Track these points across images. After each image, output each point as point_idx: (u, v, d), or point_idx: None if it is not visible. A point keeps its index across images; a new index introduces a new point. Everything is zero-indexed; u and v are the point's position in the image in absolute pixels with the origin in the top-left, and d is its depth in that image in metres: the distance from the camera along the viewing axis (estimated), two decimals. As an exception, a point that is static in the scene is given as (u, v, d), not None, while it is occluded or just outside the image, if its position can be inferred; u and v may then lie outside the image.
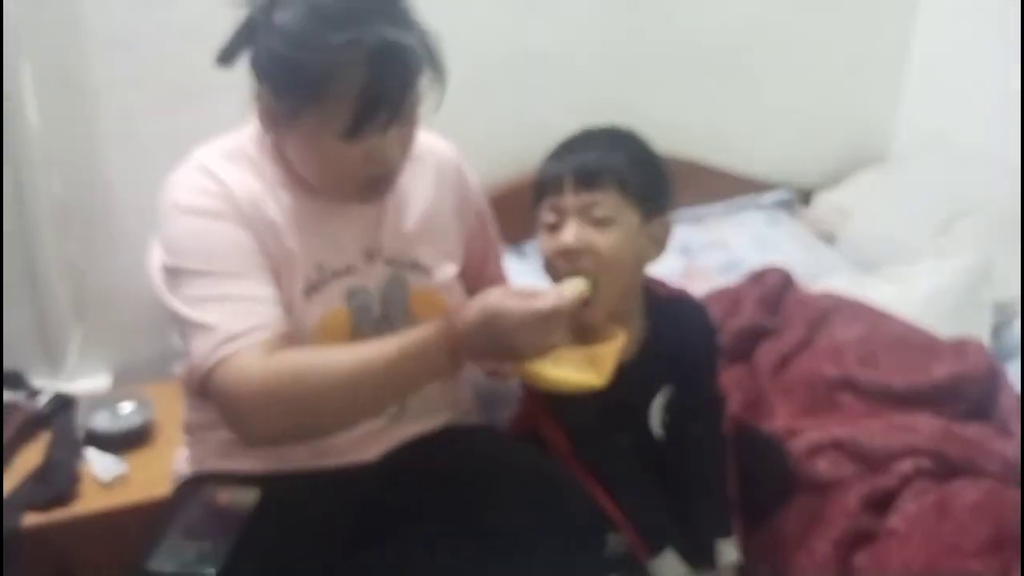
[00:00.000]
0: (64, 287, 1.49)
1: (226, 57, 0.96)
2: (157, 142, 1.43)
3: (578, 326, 0.99)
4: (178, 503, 1.06)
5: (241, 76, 0.99)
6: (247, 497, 1.02)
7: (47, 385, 1.50)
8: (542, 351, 0.89)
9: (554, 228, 1.07)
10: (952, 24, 2.07)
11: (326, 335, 1.01)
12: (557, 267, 1.07)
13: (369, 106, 0.90)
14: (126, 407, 1.42)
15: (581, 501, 1.03)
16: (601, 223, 1.05)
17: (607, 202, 1.05)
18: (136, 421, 1.40)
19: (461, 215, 1.16)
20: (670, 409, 1.17)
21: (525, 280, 1.34)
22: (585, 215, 1.05)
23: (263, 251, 0.98)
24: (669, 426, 1.17)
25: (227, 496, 1.03)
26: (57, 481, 1.28)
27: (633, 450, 1.14)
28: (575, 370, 0.95)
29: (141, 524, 1.22)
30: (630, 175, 1.06)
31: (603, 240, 1.05)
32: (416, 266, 1.09)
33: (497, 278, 1.26)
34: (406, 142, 1.00)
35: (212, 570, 0.91)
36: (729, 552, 1.14)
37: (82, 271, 1.49)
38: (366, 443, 1.08)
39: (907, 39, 2.16)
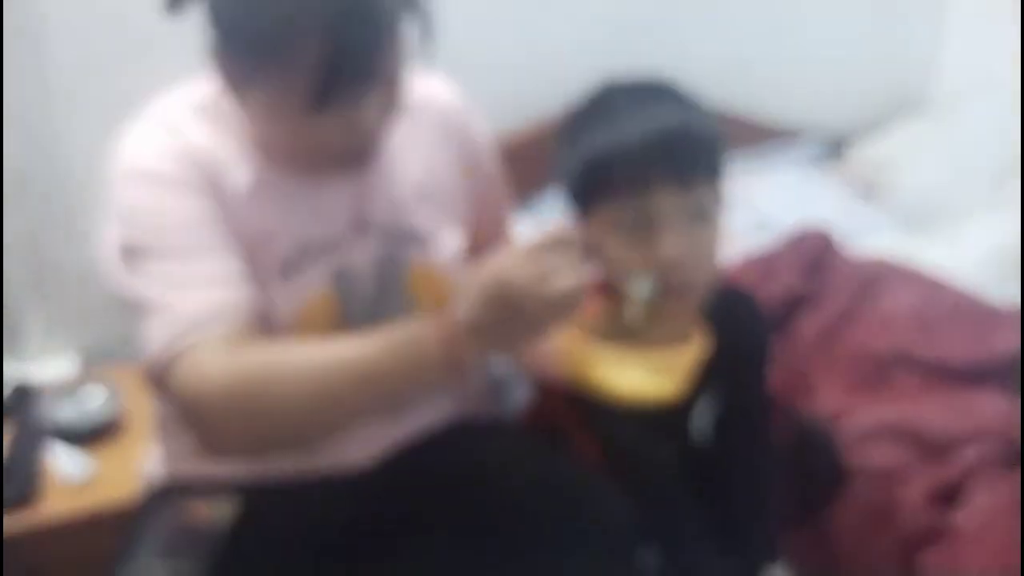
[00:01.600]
0: (22, 262, 1.35)
1: (173, 4, 0.80)
2: (114, 97, 1.29)
3: (643, 327, 0.85)
4: (149, 514, 0.93)
5: (195, 24, 0.84)
6: (226, 510, 0.90)
7: (8, 370, 1.36)
8: (560, 300, 0.71)
9: (634, 227, 0.89)
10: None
11: (308, 325, 0.87)
12: (642, 278, 0.88)
13: (336, 72, 0.76)
14: (94, 397, 1.30)
15: (608, 509, 0.90)
16: (697, 220, 0.89)
17: (704, 197, 0.90)
18: (105, 413, 1.27)
19: (466, 172, 1.00)
20: (717, 416, 1.02)
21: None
22: (680, 214, 0.89)
23: (229, 226, 0.83)
24: (715, 435, 1.02)
25: (204, 509, 0.91)
26: (18, 479, 1.16)
27: (675, 465, 0.99)
28: (643, 377, 0.79)
29: (113, 527, 1.12)
30: (720, 159, 0.91)
31: (705, 243, 0.90)
32: (414, 236, 0.94)
33: (504, 242, 1.10)
34: (389, 103, 0.84)
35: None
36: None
37: (40, 242, 1.34)
38: (359, 441, 0.93)
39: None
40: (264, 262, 0.86)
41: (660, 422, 0.95)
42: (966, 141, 1.85)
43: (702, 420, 1.01)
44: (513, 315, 0.71)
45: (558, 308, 0.71)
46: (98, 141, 1.21)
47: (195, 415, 0.78)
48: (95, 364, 1.42)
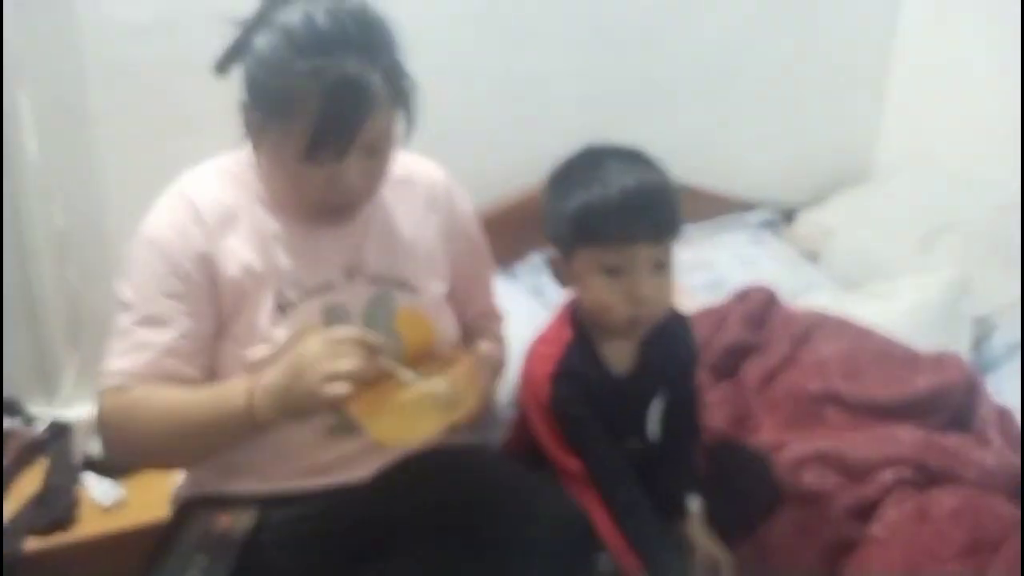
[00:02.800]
0: (60, 315, 1.52)
1: (221, 67, 1.03)
2: (152, 170, 1.47)
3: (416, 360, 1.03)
4: (179, 524, 1.09)
5: (229, 107, 1.04)
6: (246, 519, 1.05)
7: (43, 412, 1.52)
8: (332, 376, 0.90)
9: (615, 273, 1.08)
10: (930, 49, 2.13)
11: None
12: (622, 316, 1.10)
13: (322, 133, 0.95)
14: None
15: (573, 517, 1.06)
16: (661, 267, 1.10)
17: (668, 250, 1.11)
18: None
19: (449, 238, 1.19)
20: (666, 411, 1.23)
21: (515, 301, 1.37)
22: (650, 262, 1.09)
23: (208, 283, 1.04)
24: (663, 426, 1.23)
25: (227, 518, 1.05)
26: (56, 506, 1.30)
27: (637, 454, 1.18)
28: (399, 421, 0.96)
29: (140, 547, 1.25)
30: (680, 216, 1.11)
31: (665, 286, 1.11)
32: (404, 284, 1.12)
33: (486, 301, 1.29)
34: (374, 173, 1.04)
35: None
36: (694, 503, 1.23)
37: (78, 298, 1.51)
38: (358, 462, 1.11)
39: (886, 63, 2.22)
40: (256, 303, 1.05)
41: (622, 425, 1.16)
42: (895, 210, 2.00)
43: (654, 419, 1.21)
44: (296, 382, 0.92)
45: (328, 382, 0.90)
46: (137, 207, 1.41)
47: (100, 431, 1.07)
48: None
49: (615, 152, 1.13)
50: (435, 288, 1.15)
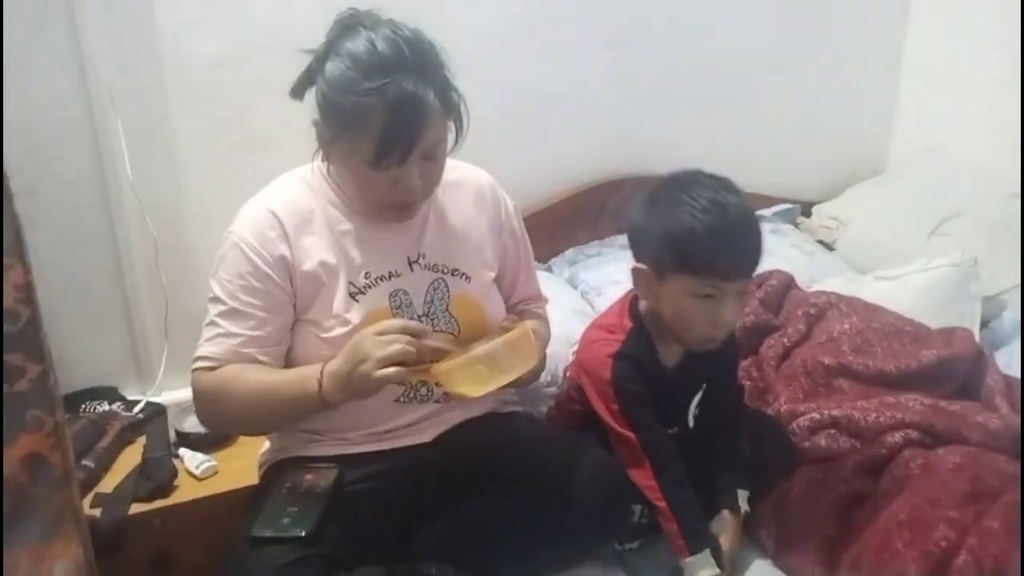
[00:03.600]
0: (154, 313, 1.72)
1: (295, 93, 1.19)
2: (230, 185, 1.66)
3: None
4: (268, 483, 1.25)
5: (298, 130, 1.20)
6: (328, 476, 1.20)
7: (139, 398, 1.72)
8: (384, 358, 1.05)
9: (706, 299, 1.21)
10: (939, 46, 2.25)
11: (372, 323, 1.18)
12: (703, 335, 1.24)
13: (387, 142, 1.10)
14: None
15: (612, 472, 1.22)
16: (743, 295, 1.26)
17: (751, 281, 1.26)
18: (207, 425, 1.61)
19: (496, 232, 1.34)
20: (702, 404, 1.37)
21: (552, 292, 1.53)
22: (737, 293, 1.23)
23: (286, 281, 1.20)
24: (699, 418, 1.37)
25: (311, 476, 1.21)
26: (158, 475, 1.49)
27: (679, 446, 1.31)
28: (463, 381, 1.10)
29: (231, 509, 1.43)
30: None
31: (742, 311, 1.29)
32: (456, 272, 1.28)
33: (531, 288, 1.43)
34: (431, 175, 1.19)
35: (303, 531, 1.09)
36: (743, 498, 1.35)
37: (168, 298, 1.70)
38: (422, 427, 1.27)
39: (897, 65, 2.34)
40: (331, 290, 1.21)
41: (670, 413, 1.31)
42: (906, 201, 2.12)
43: (694, 409, 1.36)
44: (354, 369, 1.08)
45: (379, 367, 1.05)
46: (217, 216, 1.59)
47: (194, 404, 1.25)
48: None
49: (711, 180, 1.23)
50: (484, 275, 1.31)
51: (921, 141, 2.31)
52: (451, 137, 1.20)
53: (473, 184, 1.34)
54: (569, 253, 2.02)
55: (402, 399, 1.26)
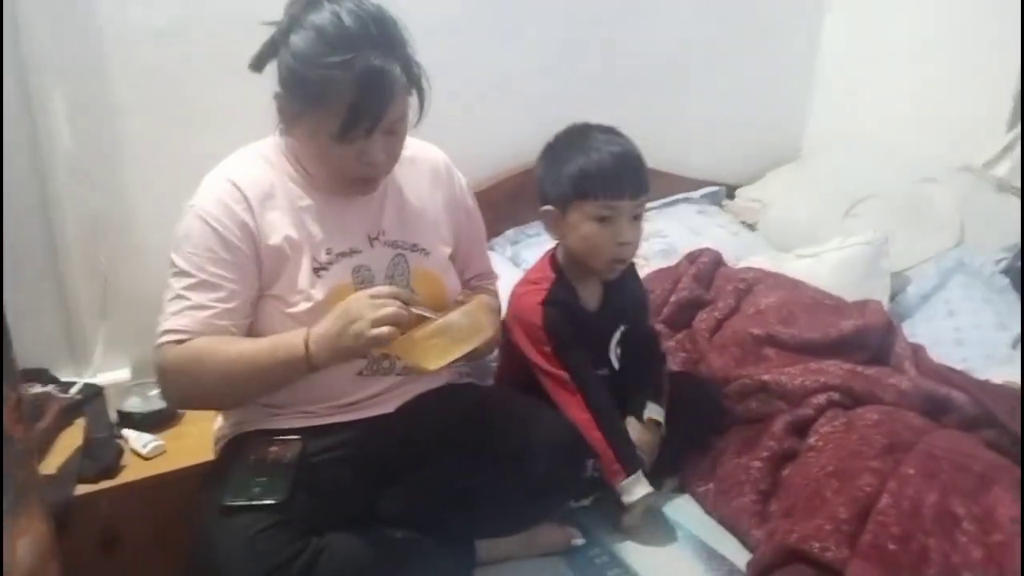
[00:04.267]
0: (90, 291, 1.67)
1: (255, 65, 1.19)
2: (173, 159, 1.65)
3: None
4: (229, 457, 1.25)
5: (244, 102, 1.20)
6: (294, 448, 1.21)
7: (74, 379, 1.67)
8: (379, 319, 1.07)
9: (604, 221, 1.35)
10: (849, 44, 2.41)
11: (336, 300, 1.19)
12: (607, 257, 1.38)
13: (354, 115, 1.11)
14: (154, 391, 1.60)
15: (565, 431, 1.28)
16: (638, 219, 1.39)
17: (642, 204, 1.38)
18: (164, 403, 1.58)
19: (450, 208, 1.38)
20: (623, 344, 1.48)
21: (496, 268, 1.57)
22: (631, 214, 1.37)
23: (252, 252, 1.20)
24: (621, 358, 1.47)
25: (276, 448, 1.22)
26: (102, 456, 1.46)
27: (606, 380, 1.41)
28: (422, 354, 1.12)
29: (180, 488, 1.43)
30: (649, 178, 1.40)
31: (640, 233, 1.40)
32: (416, 247, 1.31)
33: (483, 264, 1.47)
34: (392, 149, 1.21)
35: (276, 499, 1.11)
36: (655, 410, 1.47)
37: (107, 276, 1.66)
38: (384, 399, 1.30)
39: (811, 58, 2.49)
40: (297, 265, 1.22)
41: (596, 351, 1.40)
42: (822, 184, 2.26)
43: (615, 348, 1.46)
44: (347, 327, 1.09)
45: (374, 326, 1.07)
46: (159, 192, 1.57)
47: (159, 380, 1.21)
48: (145, 375, 1.70)
49: (598, 127, 1.41)
50: (442, 251, 1.35)
51: (833, 129, 2.47)
52: (412, 114, 1.21)
53: (428, 161, 1.37)
54: (510, 232, 2.07)
55: (365, 372, 1.28)
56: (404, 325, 1.10)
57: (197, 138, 1.62)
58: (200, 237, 1.19)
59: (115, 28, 1.57)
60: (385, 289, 1.14)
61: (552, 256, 1.47)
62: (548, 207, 1.41)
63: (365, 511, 1.22)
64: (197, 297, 1.18)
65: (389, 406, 1.30)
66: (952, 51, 2.14)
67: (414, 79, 1.18)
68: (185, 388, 1.20)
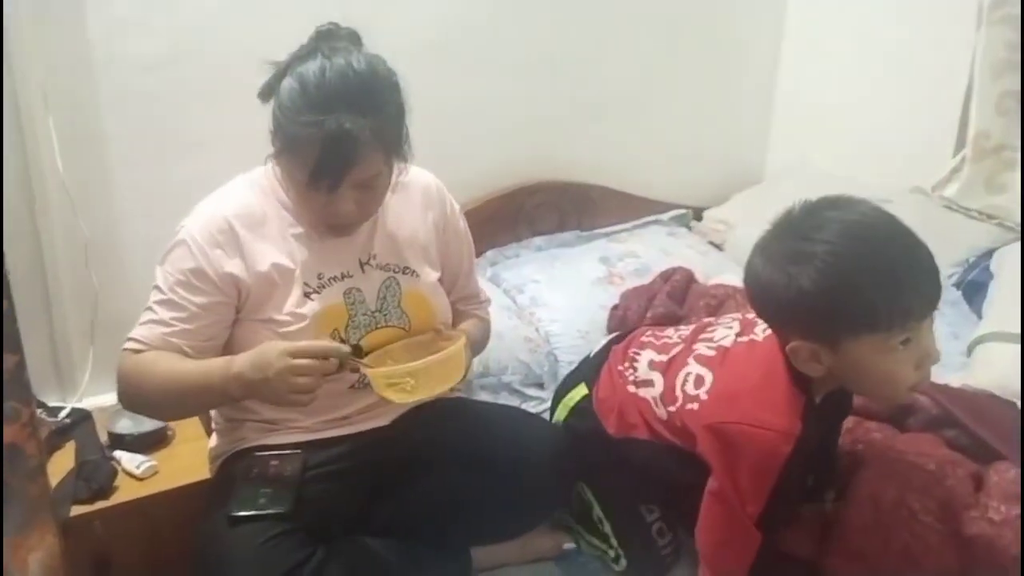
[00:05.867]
0: (78, 316, 1.69)
1: (263, 96, 1.23)
2: (162, 186, 1.69)
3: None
4: (228, 474, 1.28)
5: (233, 132, 1.24)
6: (294, 461, 1.26)
7: (61, 404, 1.68)
8: (294, 390, 1.10)
9: (906, 343, 1.05)
10: (809, 70, 2.52)
11: (329, 319, 1.27)
12: (907, 380, 1.07)
13: (317, 172, 1.16)
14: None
15: (555, 438, 1.33)
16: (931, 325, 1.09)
17: None
18: (156, 424, 1.60)
19: (441, 231, 1.42)
20: None
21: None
22: (930, 324, 1.08)
23: (227, 285, 1.24)
24: None
25: (276, 462, 1.26)
26: (96, 477, 1.47)
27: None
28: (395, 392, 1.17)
29: (175, 507, 1.46)
30: None
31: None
32: (407, 270, 1.36)
33: (472, 286, 1.51)
34: (367, 203, 1.24)
35: (283, 508, 1.15)
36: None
37: (96, 301, 1.68)
38: (378, 412, 1.35)
39: (772, 85, 2.61)
40: (286, 290, 1.26)
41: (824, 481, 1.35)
42: (786, 204, 2.39)
43: None
44: (264, 386, 1.13)
45: (289, 397, 1.11)
46: (148, 218, 1.59)
47: (117, 385, 1.26)
48: None
49: (913, 242, 1.07)
50: (431, 274, 1.39)
51: (794, 154, 2.58)
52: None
53: (420, 185, 1.41)
54: (489, 254, 2.13)
55: (356, 385, 1.32)
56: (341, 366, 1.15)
57: (185, 165, 1.67)
58: (179, 259, 1.24)
59: (107, 58, 1.62)
60: (311, 347, 1.13)
61: (794, 378, 1.14)
62: (800, 343, 1.10)
63: (365, 520, 1.26)
64: (162, 313, 1.24)
65: (384, 419, 1.34)
66: (903, 81, 2.27)
67: (389, 142, 1.19)
68: (131, 395, 1.26)
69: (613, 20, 2.25)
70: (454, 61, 2.03)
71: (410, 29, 1.93)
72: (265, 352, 1.13)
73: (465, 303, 1.50)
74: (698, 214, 2.53)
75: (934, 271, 1.05)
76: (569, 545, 1.39)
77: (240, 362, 1.15)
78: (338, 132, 1.12)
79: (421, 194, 1.41)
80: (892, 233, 1.07)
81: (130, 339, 1.25)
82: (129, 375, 1.24)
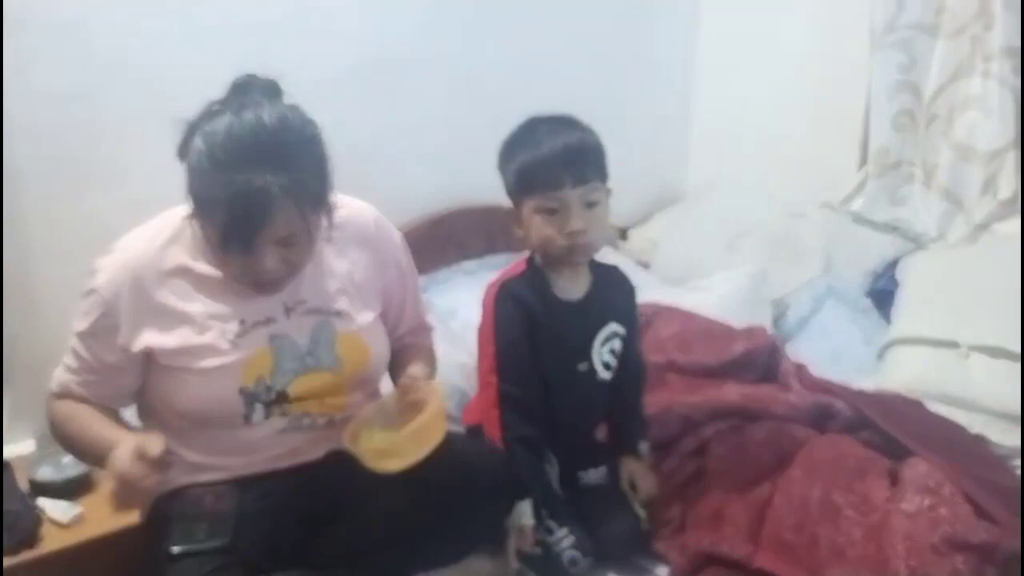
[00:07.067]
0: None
1: (179, 155, 1.18)
2: (76, 222, 1.65)
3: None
4: (163, 513, 1.25)
5: (144, 167, 1.24)
6: (229, 495, 1.24)
7: (-22, 453, 1.61)
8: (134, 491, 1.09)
9: (551, 213, 1.34)
10: (722, 91, 2.64)
11: (253, 366, 1.25)
12: (559, 247, 1.36)
13: (228, 233, 1.12)
14: (67, 459, 1.56)
15: (494, 457, 1.34)
16: (591, 206, 1.36)
17: (594, 191, 1.36)
18: (79, 470, 1.55)
19: (380, 268, 1.39)
20: (615, 350, 1.50)
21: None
22: (579, 202, 1.34)
23: (125, 337, 1.23)
24: (611, 366, 1.50)
25: (211, 498, 1.24)
26: (19, 528, 1.42)
27: (584, 378, 1.46)
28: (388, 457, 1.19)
29: (104, 555, 1.42)
30: (604, 162, 1.39)
31: (595, 220, 1.36)
32: (340, 314, 1.32)
33: (417, 318, 1.50)
34: (292, 259, 1.20)
35: (222, 542, 1.14)
36: (644, 446, 1.53)
37: (10, 343, 1.62)
38: (310, 449, 1.31)
39: (688, 107, 2.72)
40: (213, 332, 1.23)
41: (577, 341, 1.44)
42: (705, 222, 2.45)
43: (600, 347, 1.47)
44: (117, 481, 1.09)
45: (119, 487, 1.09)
46: (60, 255, 1.54)
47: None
48: (49, 444, 1.67)
49: (547, 119, 1.40)
50: (365, 316, 1.36)
51: (712, 172, 2.69)
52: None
53: (356, 223, 1.36)
54: (420, 280, 2.13)
55: (286, 429, 1.29)
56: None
57: (98, 200, 1.64)
58: (90, 307, 1.23)
59: (16, 92, 1.58)
60: (155, 448, 1.10)
61: (530, 253, 1.47)
62: (510, 207, 1.42)
63: (304, 552, 1.24)
64: (72, 360, 1.27)
65: (317, 453, 1.32)
66: (808, 101, 2.40)
67: (304, 197, 1.14)
68: (58, 439, 1.30)
69: (530, 43, 2.31)
70: (376, 88, 2.05)
71: (332, 58, 1.94)
72: (116, 453, 1.11)
73: (413, 335, 1.48)
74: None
75: (580, 152, 1.35)
76: (514, 564, 1.39)
77: (117, 449, 1.12)
78: (246, 191, 1.08)
79: (357, 234, 1.37)
80: (549, 120, 1.39)
81: (53, 380, 1.27)
82: (52, 421, 1.27)
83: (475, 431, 1.45)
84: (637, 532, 1.43)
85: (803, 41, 2.38)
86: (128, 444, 1.10)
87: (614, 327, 1.49)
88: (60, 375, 1.27)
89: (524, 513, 1.36)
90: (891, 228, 2.25)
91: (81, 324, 1.23)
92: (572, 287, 1.45)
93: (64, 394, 1.26)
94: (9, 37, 1.55)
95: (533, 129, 1.39)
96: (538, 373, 1.42)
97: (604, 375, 1.49)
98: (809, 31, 2.36)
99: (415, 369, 1.33)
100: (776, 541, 1.26)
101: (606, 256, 2.37)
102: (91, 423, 1.24)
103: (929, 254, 2.12)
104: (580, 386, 1.46)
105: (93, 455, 1.23)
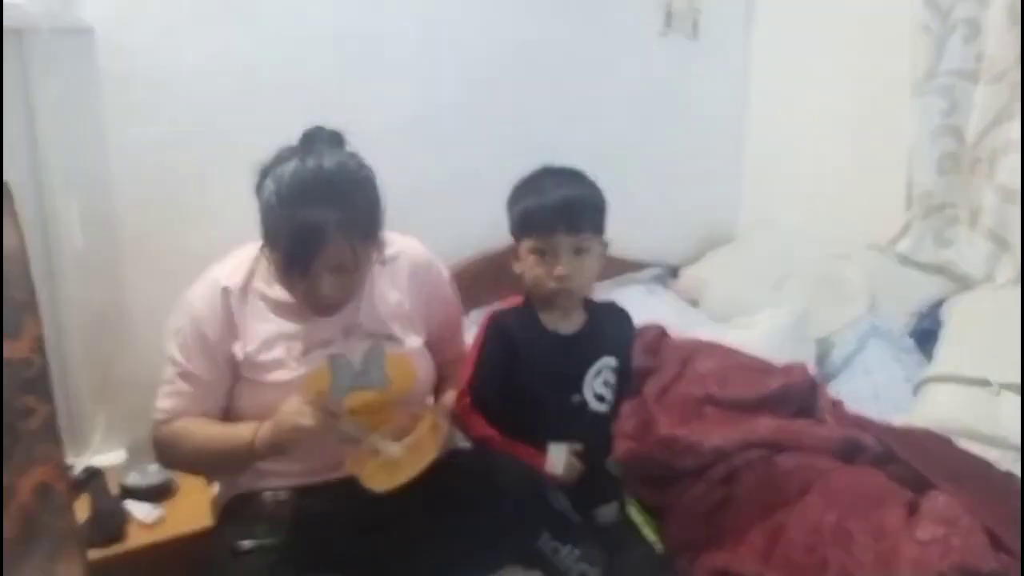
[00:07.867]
0: (90, 379, 1.83)
1: (256, 193, 1.37)
2: (168, 258, 1.85)
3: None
4: (230, 514, 1.43)
5: (233, 207, 1.39)
6: (288, 501, 1.39)
7: (76, 461, 1.81)
8: (296, 430, 1.26)
9: (543, 255, 1.46)
10: (774, 136, 2.71)
11: (313, 382, 1.39)
12: (547, 287, 1.47)
13: (288, 261, 1.31)
14: (152, 467, 1.75)
15: (526, 470, 1.44)
16: (580, 253, 1.47)
17: (585, 240, 1.47)
18: (163, 477, 1.74)
19: (428, 301, 1.55)
20: (608, 382, 1.56)
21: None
22: (569, 249, 1.45)
23: (227, 348, 1.40)
24: (610, 399, 1.57)
25: (271, 503, 1.40)
26: (108, 525, 1.60)
27: (578, 410, 1.53)
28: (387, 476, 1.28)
29: (182, 553, 1.58)
30: (600, 217, 1.50)
31: (582, 267, 1.48)
32: (391, 338, 1.49)
33: (459, 349, 1.63)
34: (347, 286, 1.36)
35: (278, 539, 1.29)
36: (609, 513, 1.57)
37: (107, 366, 1.83)
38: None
39: (740, 151, 2.81)
40: (287, 348, 1.40)
41: (567, 377, 1.52)
42: (754, 263, 2.52)
43: (593, 382, 1.55)
44: (276, 429, 1.28)
45: (292, 433, 1.27)
46: (154, 288, 1.73)
47: (154, 450, 1.43)
48: (139, 456, 1.84)
49: (555, 170, 1.53)
50: (414, 341, 1.52)
51: (762, 213, 2.76)
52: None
53: (409, 257, 1.54)
54: (473, 314, 2.27)
55: (342, 442, 1.38)
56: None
57: (189, 238, 1.83)
58: (187, 334, 1.41)
59: (120, 141, 1.80)
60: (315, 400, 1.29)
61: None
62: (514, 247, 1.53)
63: (352, 559, 1.37)
64: (180, 385, 1.41)
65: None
66: (856, 145, 2.45)
67: (355, 232, 1.31)
68: (169, 460, 1.46)
69: (586, 91, 2.44)
70: (436, 135, 2.21)
71: (395, 107, 2.12)
72: (281, 408, 1.29)
73: (452, 366, 1.61)
74: (674, 271, 2.68)
75: (577, 203, 1.46)
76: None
77: (266, 425, 1.31)
78: (304, 225, 1.27)
79: (409, 267, 1.54)
80: (556, 171, 1.52)
81: (156, 410, 1.42)
82: (163, 444, 1.41)
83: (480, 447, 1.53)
84: (653, 558, 1.50)
85: (849, 86, 2.44)
86: (293, 399, 1.28)
87: (607, 360, 1.56)
88: (164, 403, 1.41)
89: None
90: (937, 269, 2.26)
91: (179, 346, 1.40)
92: (564, 323, 1.54)
93: (171, 419, 1.40)
94: (112, 94, 1.78)
95: (540, 177, 1.52)
96: (516, 401, 1.51)
97: (597, 407, 1.55)
98: (854, 77, 2.42)
99: (448, 397, 1.46)
100: (787, 562, 1.32)
101: (655, 293, 2.51)
102: (212, 427, 1.39)
103: (973, 295, 2.13)
104: (575, 419, 1.53)
105: (220, 453, 1.36)
